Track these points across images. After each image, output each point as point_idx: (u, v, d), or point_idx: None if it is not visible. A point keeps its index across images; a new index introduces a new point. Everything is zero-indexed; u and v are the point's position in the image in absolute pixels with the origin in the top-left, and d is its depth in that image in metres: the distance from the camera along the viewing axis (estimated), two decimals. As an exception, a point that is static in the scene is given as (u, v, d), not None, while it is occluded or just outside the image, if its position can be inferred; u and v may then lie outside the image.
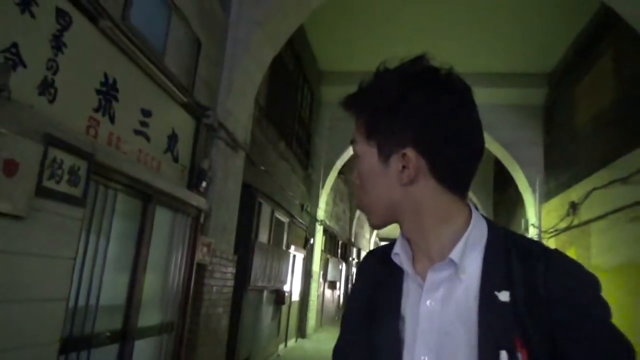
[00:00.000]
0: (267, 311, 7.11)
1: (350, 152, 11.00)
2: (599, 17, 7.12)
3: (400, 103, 0.76)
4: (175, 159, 3.86)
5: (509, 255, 0.72)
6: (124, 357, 2.99)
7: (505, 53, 8.74)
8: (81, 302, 2.58)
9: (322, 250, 11.09)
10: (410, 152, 0.74)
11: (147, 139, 3.34)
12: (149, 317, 3.36)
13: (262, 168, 6.61)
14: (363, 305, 0.82)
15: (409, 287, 0.77)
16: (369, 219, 0.83)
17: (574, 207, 7.52)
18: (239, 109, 5.13)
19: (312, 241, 10.11)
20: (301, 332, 9.85)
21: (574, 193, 7.60)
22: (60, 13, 2.39)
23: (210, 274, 4.45)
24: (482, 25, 7.88)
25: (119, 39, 2.87)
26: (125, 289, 3.06)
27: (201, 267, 4.27)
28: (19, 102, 2.05)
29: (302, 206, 9.45)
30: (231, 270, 5.05)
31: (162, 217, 3.52)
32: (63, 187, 2.25)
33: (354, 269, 17.60)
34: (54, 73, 2.35)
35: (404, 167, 0.75)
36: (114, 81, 2.89)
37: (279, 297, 7.57)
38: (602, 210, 6.52)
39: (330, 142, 10.66)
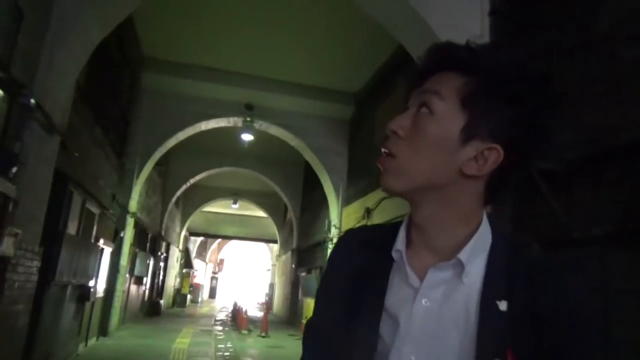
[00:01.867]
0: (69, 308, 6.58)
1: (168, 145, 10.76)
2: (398, 53, 8.54)
3: (524, 97, 0.69)
4: (-17, 139, 3.44)
5: (512, 264, 0.70)
6: None
7: (322, 69, 9.72)
8: None
9: (131, 244, 10.59)
10: (501, 151, 0.69)
11: (-46, 114, 2.95)
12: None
13: (76, 154, 6.13)
14: (344, 288, 0.78)
15: (398, 280, 0.74)
16: (389, 179, 0.73)
17: (368, 212, 8.85)
18: (58, 89, 4.73)
19: (122, 234, 9.60)
20: (103, 330, 9.26)
21: (369, 200, 8.94)
22: None
23: (13, 268, 4.03)
24: (302, 41, 8.65)
25: None
26: None
27: (4, 261, 3.86)
28: None
29: (113, 197, 8.92)
30: (36, 263, 4.62)
31: (-35, 204, 3.13)
32: None
33: (162, 264, 17.03)
34: None
35: (476, 157, 0.70)
36: None
37: (84, 293, 7.05)
38: (391, 215, 7.85)
39: (149, 132, 10.25)
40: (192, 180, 15.86)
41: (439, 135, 0.70)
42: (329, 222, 11.25)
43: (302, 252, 15.70)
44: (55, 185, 5.10)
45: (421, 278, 0.72)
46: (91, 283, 7.32)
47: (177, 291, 22.61)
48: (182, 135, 10.76)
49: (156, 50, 9.56)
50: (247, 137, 11.19)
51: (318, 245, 12.80)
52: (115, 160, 9.06)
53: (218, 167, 15.58)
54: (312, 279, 13.14)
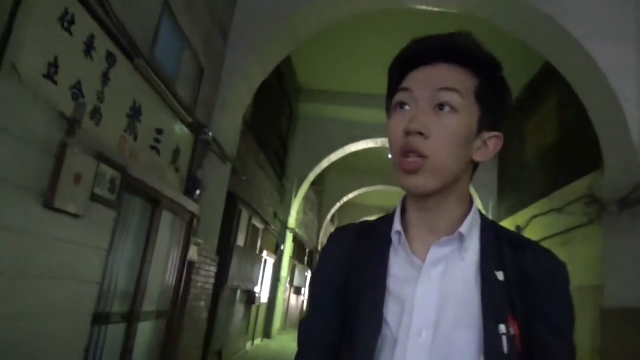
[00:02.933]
0: (239, 310, 7.70)
1: (322, 166, 11.72)
2: (548, 68, 8.12)
3: (508, 90, 0.82)
4: (177, 170, 4.47)
5: (500, 240, 0.78)
6: (130, 335, 3.57)
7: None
8: (106, 285, 3.17)
9: (290, 257, 11.73)
10: (502, 139, 0.80)
11: (158, 153, 3.95)
12: (150, 304, 3.95)
13: (244, 178, 7.23)
14: (338, 282, 0.80)
15: (398, 263, 0.78)
16: (425, 180, 0.74)
17: (519, 230, 8.45)
18: (229, 126, 5.77)
19: (282, 247, 10.74)
20: (267, 333, 10.44)
21: (520, 218, 8.55)
22: (109, 55, 3.00)
23: (197, 271, 5.04)
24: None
25: (146, 72, 3.49)
26: (135, 279, 3.65)
27: (190, 265, 4.86)
28: (83, 129, 2.66)
29: (275, 214, 10.09)
30: (214, 269, 5.66)
31: (165, 220, 4.12)
32: (106, 194, 2.86)
33: (318, 277, 18.19)
34: (101, 102, 2.96)
35: (480, 146, 0.79)
36: (140, 106, 3.50)
37: (250, 298, 8.16)
38: (541, 235, 7.45)
39: (304, 155, 11.35)
40: (345, 199, 16.77)
41: (464, 131, 0.75)
42: (479, 241, 10.89)
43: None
44: (227, 204, 6.16)
45: (422, 258, 0.76)
46: (256, 289, 8.42)
47: (334, 303, 23.75)
48: (333, 157, 11.64)
49: (310, 80, 10.62)
50: (393, 156, 11.56)
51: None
52: (276, 181, 10.27)
53: (370, 186, 16.22)
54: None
